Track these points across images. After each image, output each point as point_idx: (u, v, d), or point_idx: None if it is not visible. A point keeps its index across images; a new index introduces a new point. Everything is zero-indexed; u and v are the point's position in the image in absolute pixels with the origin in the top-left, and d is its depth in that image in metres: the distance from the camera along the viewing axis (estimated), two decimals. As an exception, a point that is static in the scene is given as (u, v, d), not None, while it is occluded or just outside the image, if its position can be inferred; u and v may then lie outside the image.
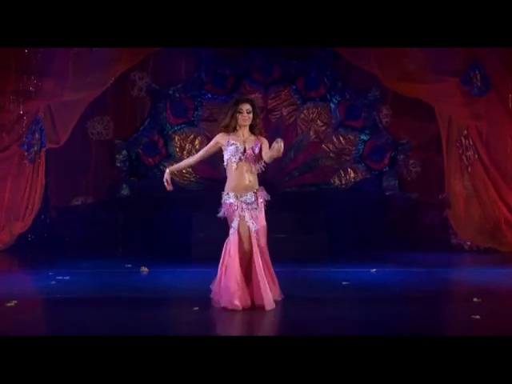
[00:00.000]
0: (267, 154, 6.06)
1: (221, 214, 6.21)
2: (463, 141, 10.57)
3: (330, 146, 11.62)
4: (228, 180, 6.20)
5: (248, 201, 6.09)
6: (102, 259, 9.68)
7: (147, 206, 10.81)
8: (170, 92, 11.46)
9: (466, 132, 10.56)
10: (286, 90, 11.63)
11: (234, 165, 6.11)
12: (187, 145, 11.51)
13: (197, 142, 11.51)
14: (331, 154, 11.60)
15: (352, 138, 11.63)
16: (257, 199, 6.12)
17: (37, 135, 10.28)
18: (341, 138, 11.65)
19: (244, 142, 6.17)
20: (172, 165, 11.30)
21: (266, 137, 6.33)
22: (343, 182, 11.64)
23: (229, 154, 6.13)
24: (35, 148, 10.32)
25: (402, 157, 11.47)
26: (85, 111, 10.66)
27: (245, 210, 6.07)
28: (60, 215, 10.95)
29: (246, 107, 6.17)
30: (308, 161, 11.56)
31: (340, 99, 11.62)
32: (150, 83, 11.35)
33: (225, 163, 6.19)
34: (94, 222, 10.74)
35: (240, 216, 6.07)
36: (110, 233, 10.71)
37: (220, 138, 6.23)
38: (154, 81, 11.38)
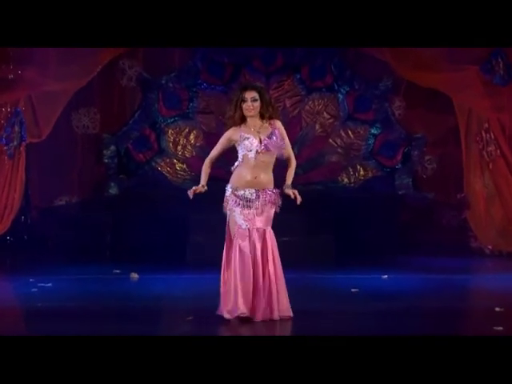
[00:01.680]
0: (288, 169, 6.16)
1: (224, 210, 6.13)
2: (484, 135, 10.56)
3: (338, 141, 11.60)
4: (235, 173, 6.08)
5: (246, 197, 5.96)
6: (87, 264, 9.65)
7: (138, 207, 10.79)
8: (163, 81, 11.44)
9: (486, 125, 10.54)
10: (290, 80, 11.62)
11: (252, 160, 5.96)
12: (181, 139, 11.49)
13: (192, 136, 11.49)
14: (339, 150, 11.58)
15: (362, 131, 11.62)
16: (258, 198, 5.97)
17: (16, 128, 10.25)
18: (349, 132, 11.63)
19: (258, 132, 6.02)
20: (165, 161, 11.61)
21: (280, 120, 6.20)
22: (352, 180, 11.63)
23: (244, 149, 5.98)
24: (15, 142, 10.28)
25: (416, 152, 11.45)
26: (69, 102, 10.64)
27: (238, 205, 5.95)
28: (42, 216, 10.93)
29: (251, 95, 5.98)
30: (313, 157, 11.54)
31: (348, 89, 11.61)
32: (140, 72, 11.34)
33: (240, 159, 6.02)
34: (80, 224, 10.71)
35: (230, 210, 5.99)
36: (96, 235, 10.68)
37: (231, 134, 6.06)
38: (145, 69, 11.37)
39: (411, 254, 10.31)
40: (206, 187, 6.07)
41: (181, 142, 11.51)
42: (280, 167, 6.27)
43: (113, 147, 11.32)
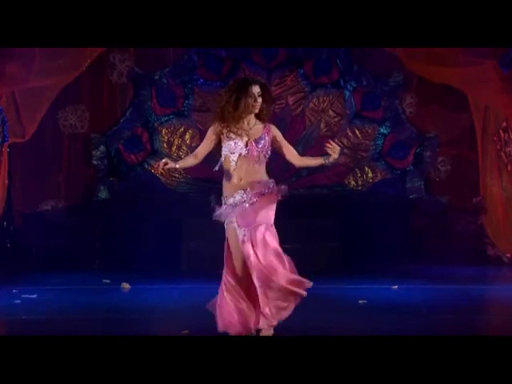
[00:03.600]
0: (304, 161, 6.19)
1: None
2: (502, 134, 10.57)
3: (345, 141, 11.61)
4: (223, 182, 5.98)
5: (237, 201, 5.85)
6: (75, 274, 9.65)
7: (129, 212, 10.81)
8: (156, 77, 11.47)
9: (504, 124, 10.56)
10: (293, 75, 11.65)
11: (233, 163, 5.88)
12: (176, 139, 11.51)
13: (187, 136, 11.51)
14: (345, 151, 11.59)
15: (370, 131, 11.65)
16: (249, 197, 5.82)
17: (-2, 128, 10.28)
18: (357, 132, 11.66)
19: (247, 133, 5.89)
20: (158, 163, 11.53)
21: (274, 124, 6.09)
22: (359, 183, 11.66)
23: (227, 149, 5.89)
24: (-4, 143, 10.29)
25: (428, 153, 11.48)
26: (55, 100, 10.65)
27: (232, 213, 5.83)
28: (26, 222, 10.94)
29: (257, 90, 5.84)
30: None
31: (356, 86, 11.64)
32: (132, 67, 11.37)
33: (222, 159, 5.94)
34: (67, 230, 10.72)
35: (227, 223, 5.89)
36: (85, 243, 10.69)
37: (216, 130, 5.95)
38: (137, 64, 11.40)
39: (423, 262, 10.32)
40: (176, 166, 5.98)
41: (175, 142, 11.52)
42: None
43: (102, 148, 11.33)
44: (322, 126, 11.64)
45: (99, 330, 6.35)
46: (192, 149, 11.37)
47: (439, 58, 10.29)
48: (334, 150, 5.98)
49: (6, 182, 10.49)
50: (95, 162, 11.31)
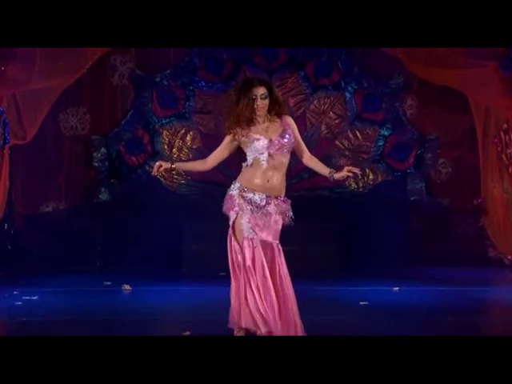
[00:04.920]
0: (314, 161, 5.96)
1: (224, 209, 5.78)
2: (503, 136, 10.57)
3: (345, 143, 11.62)
4: (245, 172, 5.74)
5: (255, 201, 5.65)
6: (76, 276, 9.66)
7: (130, 214, 10.80)
8: (157, 79, 11.47)
9: (505, 126, 10.56)
10: (293, 77, 11.65)
11: (265, 163, 5.65)
12: (177, 141, 11.51)
13: (188, 137, 11.50)
14: (346, 152, 11.61)
15: (371, 133, 11.64)
16: (269, 205, 5.65)
17: (-1, 129, 10.29)
18: (357, 134, 11.66)
19: (267, 132, 5.71)
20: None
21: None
22: (360, 184, 11.65)
23: (254, 152, 5.67)
24: (-3, 145, 10.30)
25: (429, 155, 11.48)
26: (56, 102, 10.67)
27: (245, 211, 5.62)
28: (27, 224, 10.94)
29: (261, 91, 5.65)
30: (319, 160, 11.51)
31: (356, 87, 11.64)
32: (133, 69, 11.37)
33: (249, 163, 5.69)
34: (67, 232, 10.72)
35: (236, 214, 5.65)
36: (86, 245, 10.69)
37: (238, 135, 5.70)
38: (138, 66, 11.40)
39: (424, 264, 10.31)
40: (174, 167, 5.68)
41: (176, 144, 11.52)
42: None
43: (103, 150, 11.33)
44: (323, 127, 11.64)
45: (100, 332, 6.36)
46: (193, 151, 11.40)
47: (440, 60, 10.29)
48: (352, 174, 5.84)
49: (7, 183, 10.48)
50: (96, 164, 11.31)
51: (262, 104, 5.69)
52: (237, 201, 5.67)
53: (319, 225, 10.36)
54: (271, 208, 5.69)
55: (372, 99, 11.62)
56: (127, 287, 8.69)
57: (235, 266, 5.68)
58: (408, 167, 11.59)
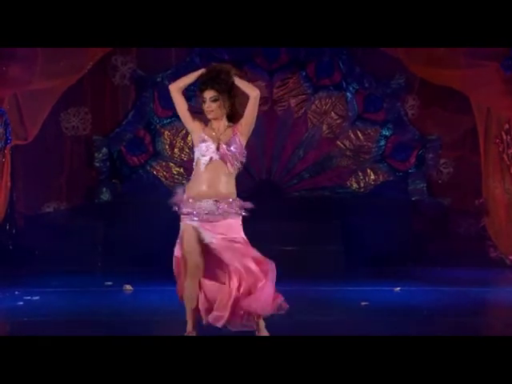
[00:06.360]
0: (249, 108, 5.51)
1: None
2: (504, 136, 10.57)
3: (347, 143, 11.61)
4: (192, 179, 5.68)
5: (205, 209, 5.54)
6: (77, 276, 9.66)
7: (131, 214, 10.79)
8: (159, 79, 11.46)
9: (507, 126, 10.56)
10: (295, 77, 11.64)
11: (203, 167, 5.52)
12: (178, 141, 11.51)
13: (189, 138, 11.46)
14: (347, 153, 11.60)
15: (372, 133, 11.63)
16: (218, 209, 5.50)
17: (1, 130, 10.26)
18: (359, 134, 11.65)
19: (218, 137, 5.54)
20: (161, 165, 11.64)
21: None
22: (361, 184, 11.64)
23: (199, 151, 5.58)
24: (-1, 145, 10.31)
25: (431, 155, 11.47)
26: (58, 102, 10.66)
27: (194, 220, 5.63)
28: (28, 224, 10.93)
29: (210, 94, 5.55)
30: (320, 160, 11.55)
31: (358, 88, 11.63)
32: (134, 69, 11.37)
33: (194, 162, 5.64)
34: (69, 232, 10.70)
35: (186, 225, 5.71)
36: (87, 245, 10.67)
37: (197, 126, 5.68)
38: (140, 66, 11.40)
39: (425, 264, 10.32)
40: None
41: (178, 144, 11.52)
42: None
43: (105, 150, 11.33)
44: (324, 128, 11.63)
45: (101, 333, 6.35)
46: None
47: (441, 60, 10.29)
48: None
49: (9, 183, 10.49)
50: (97, 164, 11.31)
51: (210, 107, 5.56)
52: (184, 206, 5.72)
53: (320, 225, 10.36)
54: (220, 210, 5.53)
55: (373, 99, 11.61)
56: (128, 287, 8.70)
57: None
58: (409, 167, 11.58)
